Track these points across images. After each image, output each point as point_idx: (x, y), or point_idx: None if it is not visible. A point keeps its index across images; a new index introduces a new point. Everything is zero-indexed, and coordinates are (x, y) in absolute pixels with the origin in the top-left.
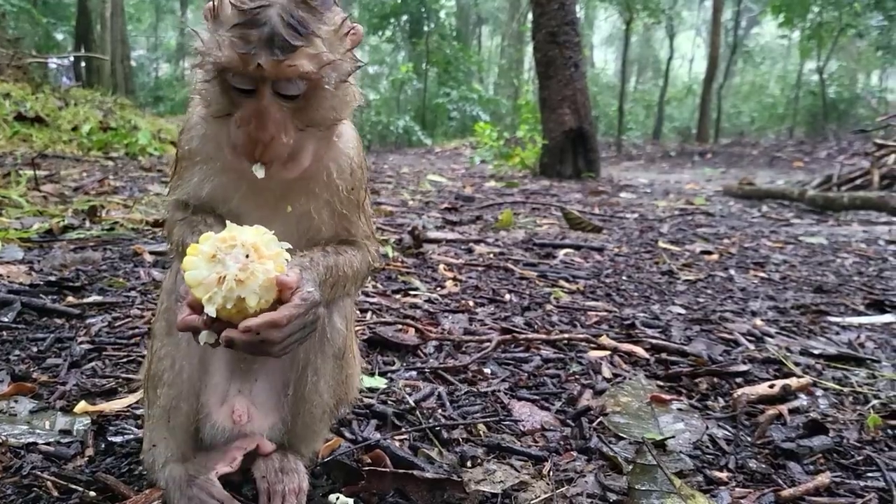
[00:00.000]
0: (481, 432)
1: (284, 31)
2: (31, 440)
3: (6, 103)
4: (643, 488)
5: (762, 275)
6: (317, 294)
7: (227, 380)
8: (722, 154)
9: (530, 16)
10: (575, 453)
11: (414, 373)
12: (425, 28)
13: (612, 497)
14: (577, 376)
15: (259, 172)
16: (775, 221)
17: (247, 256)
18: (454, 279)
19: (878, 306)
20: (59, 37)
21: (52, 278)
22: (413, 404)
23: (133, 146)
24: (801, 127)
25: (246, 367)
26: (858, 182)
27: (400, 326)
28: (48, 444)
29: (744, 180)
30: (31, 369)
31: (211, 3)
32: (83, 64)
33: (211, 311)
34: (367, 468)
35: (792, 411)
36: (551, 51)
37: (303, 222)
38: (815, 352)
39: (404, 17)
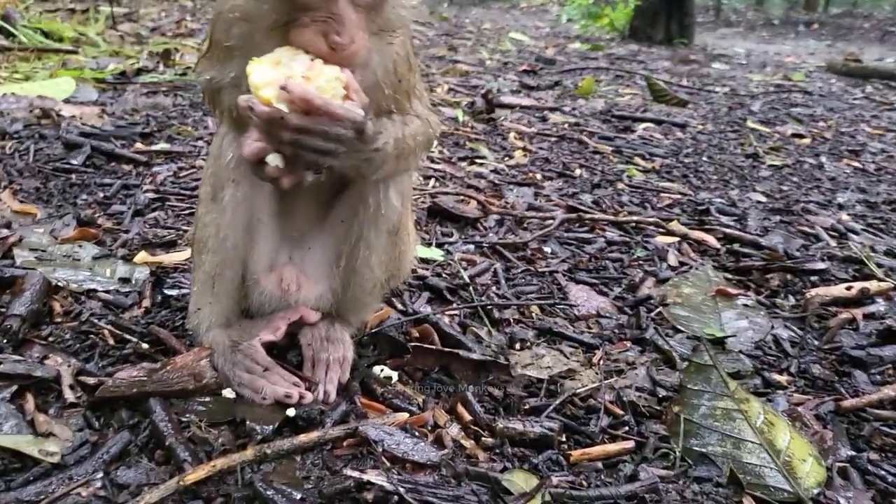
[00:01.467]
0: (534, 314)
1: None
2: (91, 287)
3: None
4: (695, 388)
5: (856, 164)
6: (372, 129)
7: (277, 248)
8: (830, 25)
9: None
10: (628, 343)
11: (472, 246)
12: None
13: (662, 393)
14: (640, 262)
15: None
16: (879, 104)
17: (312, 59)
18: (524, 149)
19: None
20: None
21: (123, 123)
22: (467, 279)
23: None
24: None
25: (298, 236)
26: None
27: (462, 197)
28: (107, 291)
29: (849, 56)
30: (97, 214)
31: None
32: None
33: (283, 107)
34: (413, 343)
35: (867, 316)
36: None
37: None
38: None
39: None
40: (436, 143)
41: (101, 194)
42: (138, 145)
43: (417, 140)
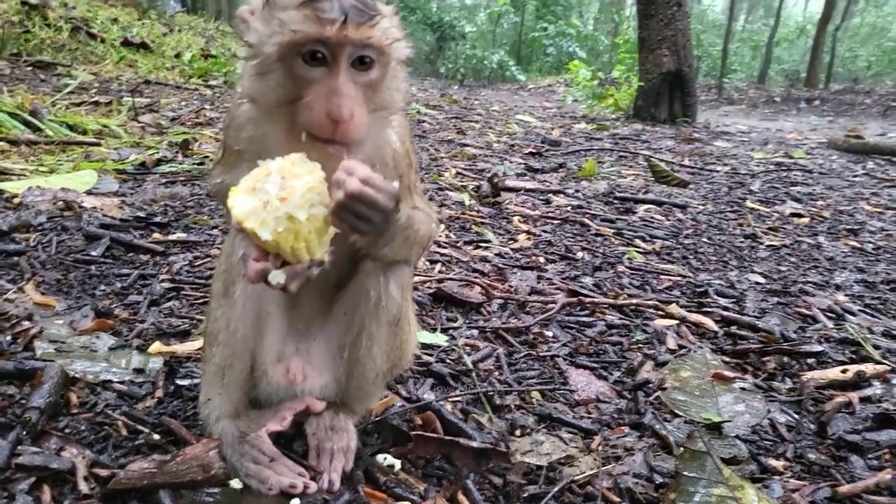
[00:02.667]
0: (535, 399)
1: (357, 3)
2: (107, 378)
3: (114, 28)
4: (691, 475)
5: (854, 243)
6: (395, 190)
7: (284, 340)
8: (831, 101)
9: None
10: (627, 429)
11: (475, 331)
12: None
13: (658, 479)
14: (640, 345)
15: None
16: (879, 181)
17: (282, 178)
18: (528, 232)
19: None
20: None
21: (142, 214)
22: (470, 365)
23: (231, 75)
24: None
25: (304, 328)
26: None
27: (466, 282)
28: (122, 382)
29: (851, 132)
30: (114, 305)
31: None
32: None
33: (265, 234)
34: (415, 431)
35: (863, 400)
36: None
37: None
38: None
39: None
40: (440, 231)
41: (119, 285)
42: (156, 235)
43: (422, 229)
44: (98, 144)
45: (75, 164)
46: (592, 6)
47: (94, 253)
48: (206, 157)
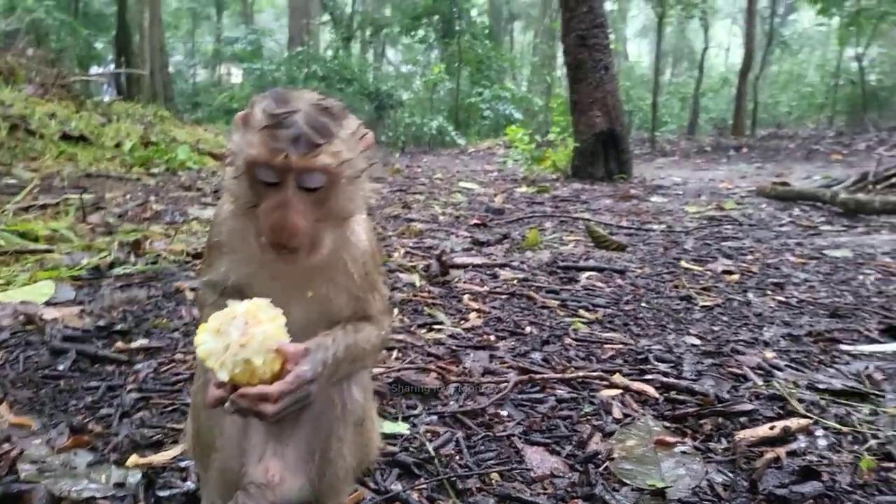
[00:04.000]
0: (494, 481)
1: (309, 131)
2: (90, 495)
3: (52, 123)
4: None
5: (780, 298)
6: (310, 374)
7: (265, 441)
8: (758, 148)
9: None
10: (580, 501)
11: (435, 417)
12: (457, 27)
13: None
14: (588, 417)
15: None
16: (805, 229)
17: (246, 323)
18: (478, 310)
19: (892, 332)
20: (99, 45)
21: (102, 322)
22: (432, 452)
23: (173, 161)
24: (841, 116)
25: (279, 432)
26: (895, 181)
27: (423, 365)
28: (105, 497)
29: (778, 179)
30: (87, 420)
31: (244, 112)
32: (123, 75)
33: (223, 375)
34: None
35: (790, 454)
36: (581, 54)
37: (322, 305)
38: (821, 386)
39: (436, 18)
40: (395, 317)
41: (89, 398)
42: (119, 344)
43: (371, 344)
44: (51, 251)
45: (31, 274)
46: (525, 68)
47: (61, 367)
48: (159, 255)
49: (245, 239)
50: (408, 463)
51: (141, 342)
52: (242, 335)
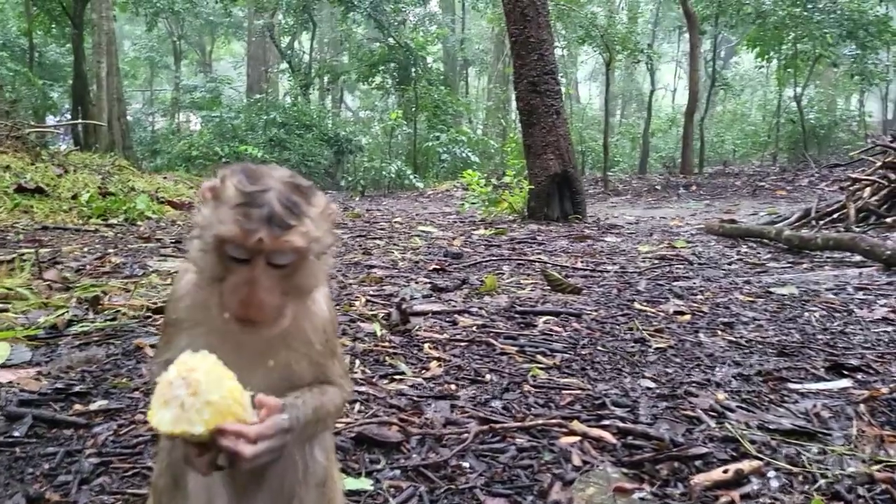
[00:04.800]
0: None
1: (282, 211)
2: None
3: (6, 175)
4: None
5: (730, 337)
6: (287, 423)
7: None
8: (706, 185)
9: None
10: None
11: (398, 471)
12: (413, 74)
13: None
14: (548, 465)
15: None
16: (752, 267)
17: (183, 378)
18: (438, 359)
19: (837, 369)
20: (55, 95)
21: (60, 385)
22: None
23: (132, 211)
24: (784, 153)
25: (242, 498)
26: (836, 216)
27: (385, 418)
28: None
29: (726, 215)
30: (44, 489)
31: (214, 184)
32: (80, 125)
33: (199, 429)
34: None
35: (743, 497)
36: (533, 99)
37: (284, 373)
38: (772, 427)
39: (392, 65)
40: (357, 368)
41: (47, 465)
42: (77, 406)
43: (335, 405)
44: (5, 310)
45: None
46: (480, 112)
47: (17, 433)
48: (118, 311)
49: (208, 311)
50: None
51: (100, 403)
52: (188, 386)
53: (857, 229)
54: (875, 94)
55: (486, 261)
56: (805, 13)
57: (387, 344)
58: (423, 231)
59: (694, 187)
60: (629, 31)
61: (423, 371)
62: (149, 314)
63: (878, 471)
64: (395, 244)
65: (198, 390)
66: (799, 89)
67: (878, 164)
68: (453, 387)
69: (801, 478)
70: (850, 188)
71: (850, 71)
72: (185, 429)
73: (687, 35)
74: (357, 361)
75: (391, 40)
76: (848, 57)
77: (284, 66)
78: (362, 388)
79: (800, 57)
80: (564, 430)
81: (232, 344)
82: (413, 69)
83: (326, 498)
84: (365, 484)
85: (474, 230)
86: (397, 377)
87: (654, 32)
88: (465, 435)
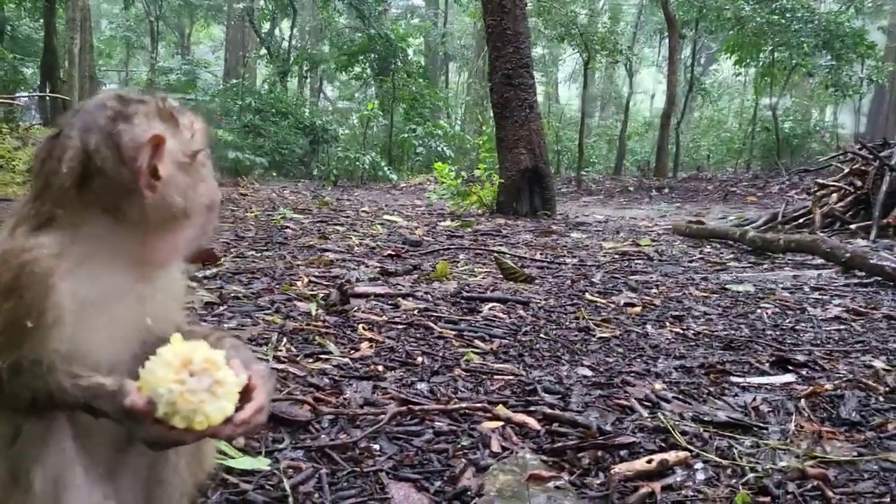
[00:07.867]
0: None
1: None
2: None
3: None
4: None
5: (678, 330)
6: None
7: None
8: (679, 189)
9: None
10: None
11: (301, 451)
12: (392, 66)
13: None
14: (465, 451)
15: None
16: (713, 265)
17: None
18: (371, 340)
19: (783, 364)
20: (28, 71)
21: None
22: (288, 490)
23: None
24: (757, 161)
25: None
26: (802, 221)
27: (300, 396)
28: None
29: (695, 217)
30: None
31: None
32: (48, 101)
33: (231, 409)
34: None
35: (665, 489)
36: (507, 92)
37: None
38: (706, 419)
39: (372, 55)
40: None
41: None
42: None
43: None
44: None
45: None
46: (459, 107)
47: None
48: None
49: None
50: (258, 502)
51: None
52: (208, 376)
53: (822, 234)
54: (849, 107)
55: (445, 249)
56: (783, 21)
57: (320, 324)
58: (388, 220)
59: (666, 190)
60: (609, 32)
61: (351, 352)
62: None
63: (812, 466)
64: (355, 231)
65: (218, 378)
66: (775, 98)
67: (846, 170)
68: (381, 368)
69: (729, 471)
70: (817, 193)
71: (824, 82)
72: (226, 414)
73: (667, 40)
74: (284, 339)
75: (372, 30)
76: (823, 68)
77: (263, 52)
78: (282, 366)
79: (777, 66)
80: (488, 414)
81: (134, 297)
82: (393, 60)
83: (199, 452)
84: (262, 463)
85: (440, 221)
86: (323, 356)
87: (636, 35)
88: (382, 416)
